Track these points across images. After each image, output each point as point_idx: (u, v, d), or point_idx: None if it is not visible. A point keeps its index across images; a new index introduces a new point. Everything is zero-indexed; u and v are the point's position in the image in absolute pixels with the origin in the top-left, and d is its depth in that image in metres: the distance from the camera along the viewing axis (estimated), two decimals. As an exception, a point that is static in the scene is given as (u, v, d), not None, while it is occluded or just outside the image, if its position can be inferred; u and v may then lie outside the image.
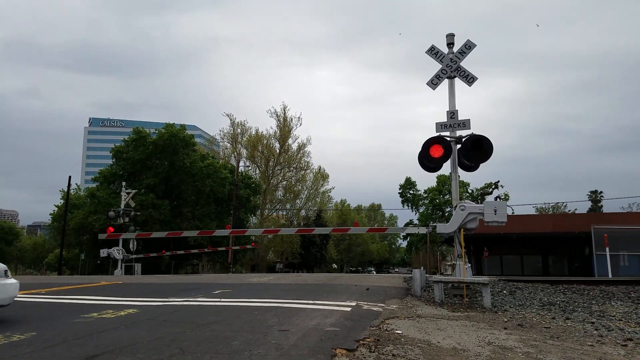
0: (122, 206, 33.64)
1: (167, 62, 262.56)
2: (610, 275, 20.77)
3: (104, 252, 29.52)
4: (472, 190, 68.54)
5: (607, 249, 21.50)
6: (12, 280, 7.66)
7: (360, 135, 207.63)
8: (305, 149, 64.18)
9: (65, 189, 42.66)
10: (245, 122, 64.92)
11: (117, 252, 29.17)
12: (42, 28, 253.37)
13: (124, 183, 37.54)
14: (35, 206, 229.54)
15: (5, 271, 7.59)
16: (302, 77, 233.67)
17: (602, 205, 75.68)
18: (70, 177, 42.25)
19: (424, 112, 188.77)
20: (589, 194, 78.51)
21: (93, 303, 9.46)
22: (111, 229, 26.18)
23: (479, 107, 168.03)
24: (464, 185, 67.06)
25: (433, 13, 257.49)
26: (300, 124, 66.93)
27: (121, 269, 29.47)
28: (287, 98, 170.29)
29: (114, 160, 45.88)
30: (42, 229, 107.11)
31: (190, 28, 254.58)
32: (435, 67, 12.42)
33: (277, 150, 63.00)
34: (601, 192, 78.00)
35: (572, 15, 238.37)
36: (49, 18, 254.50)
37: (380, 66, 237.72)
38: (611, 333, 7.08)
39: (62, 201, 46.68)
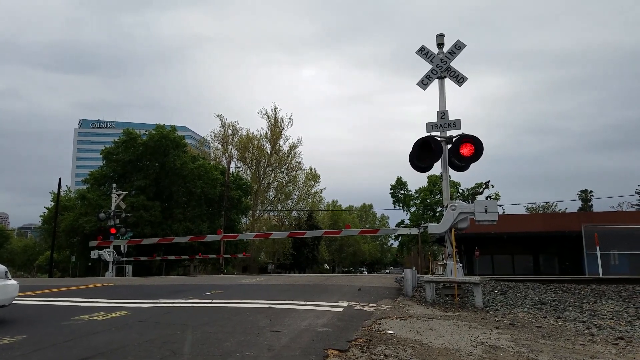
0: (113, 208, 33.43)
1: (150, 61, 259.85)
2: (601, 274, 20.94)
3: (94, 254, 29.34)
4: (463, 190, 68.88)
5: (598, 247, 21.67)
6: (12, 282, 7.81)
7: (349, 134, 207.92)
8: (297, 149, 64.22)
9: (55, 191, 42.34)
10: (236, 123, 64.63)
11: (108, 254, 29.01)
12: (20, 28, 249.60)
13: (114, 185, 37.26)
14: (25, 208, 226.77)
15: (6, 272, 7.75)
16: (289, 76, 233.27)
17: (592, 205, 76.34)
18: (60, 179, 41.88)
19: (412, 111, 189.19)
20: (579, 193, 79.19)
21: (84, 305, 9.39)
22: (100, 237, 25.97)
23: (466, 105, 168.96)
24: (454, 185, 67.34)
25: (419, 10, 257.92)
26: (291, 125, 66.73)
27: (112, 270, 29.30)
28: (274, 97, 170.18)
29: (104, 161, 45.55)
30: (32, 231, 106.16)
31: (172, 26, 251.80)
32: (424, 65, 12.46)
33: (268, 151, 62.89)
34: (591, 191, 78.68)
35: (558, 12, 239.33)
36: (26, 17, 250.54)
37: (367, 64, 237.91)
38: (602, 332, 7.13)
39: (52, 203, 46.23)
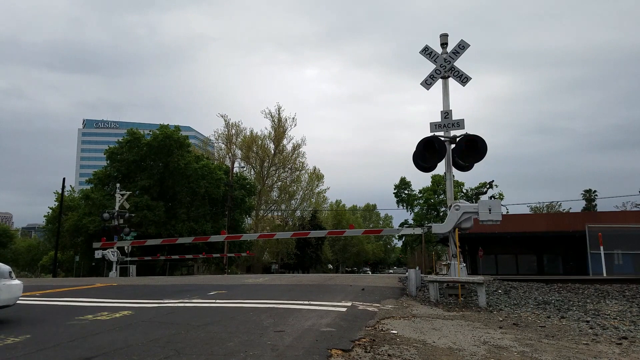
0: (117, 208, 33.53)
1: (152, 61, 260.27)
2: (604, 274, 20.86)
3: (98, 254, 29.44)
4: (467, 190, 68.75)
5: (602, 247, 21.58)
6: (16, 281, 7.83)
7: (351, 134, 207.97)
8: (300, 149, 64.26)
9: (59, 191, 42.48)
10: (240, 123, 64.82)
11: (111, 254, 29.09)
12: (23, 27, 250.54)
13: (118, 185, 37.41)
14: (29, 208, 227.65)
15: (10, 272, 7.76)
16: (290, 75, 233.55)
17: (596, 204, 76.06)
18: (64, 179, 42.04)
19: (415, 110, 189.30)
20: (583, 193, 78.87)
21: (88, 305, 9.42)
22: (104, 238, 25.96)
23: (470, 105, 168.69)
24: (458, 185, 67.27)
25: (420, 9, 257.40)
26: (295, 125, 66.79)
27: (116, 270, 29.39)
28: (276, 97, 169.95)
29: (108, 161, 45.67)
30: (36, 231, 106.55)
31: (175, 27, 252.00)
32: (426, 64, 12.45)
33: (272, 151, 62.96)
34: (595, 191, 78.34)
35: (562, 11, 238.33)
36: (29, 16, 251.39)
37: (367, 64, 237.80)
38: (606, 332, 7.11)
39: (56, 203, 46.45)
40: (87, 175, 55.95)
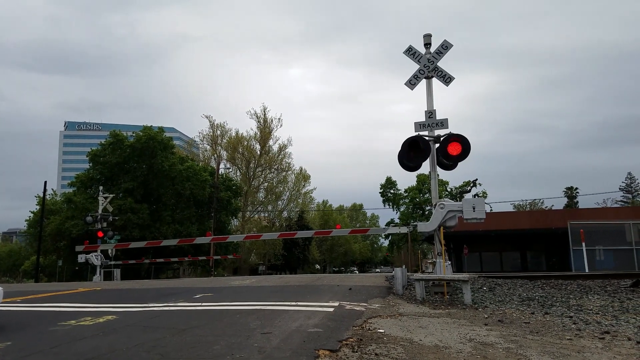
0: (100, 211, 33.10)
1: (135, 61, 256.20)
2: (587, 270, 21.19)
3: (82, 258, 29.01)
4: (451, 189, 69.38)
5: (584, 244, 21.90)
6: None
7: (337, 134, 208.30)
8: (286, 150, 64.23)
9: (41, 194, 41.84)
10: (225, 124, 64.76)
11: (95, 258, 28.68)
12: (0, 27, 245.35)
13: (101, 187, 36.91)
14: (10, 212, 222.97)
15: None
16: (277, 75, 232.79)
17: (577, 201, 77.38)
18: (45, 182, 41.50)
19: (401, 109, 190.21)
20: (565, 190, 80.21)
21: (71, 310, 9.28)
22: (87, 241, 25.62)
23: (454, 103, 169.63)
24: (443, 184, 67.81)
25: (406, 8, 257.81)
26: (281, 125, 66.80)
27: (100, 275, 28.97)
28: (262, 97, 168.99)
29: (90, 164, 45.10)
30: (17, 235, 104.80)
31: (157, 25, 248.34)
32: (412, 64, 12.52)
33: (258, 152, 62.82)
34: (577, 188, 79.72)
35: (546, 9, 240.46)
36: (6, 16, 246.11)
37: (353, 63, 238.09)
38: (589, 327, 7.21)
39: (37, 207, 45.73)
40: (69, 178, 55.08)
